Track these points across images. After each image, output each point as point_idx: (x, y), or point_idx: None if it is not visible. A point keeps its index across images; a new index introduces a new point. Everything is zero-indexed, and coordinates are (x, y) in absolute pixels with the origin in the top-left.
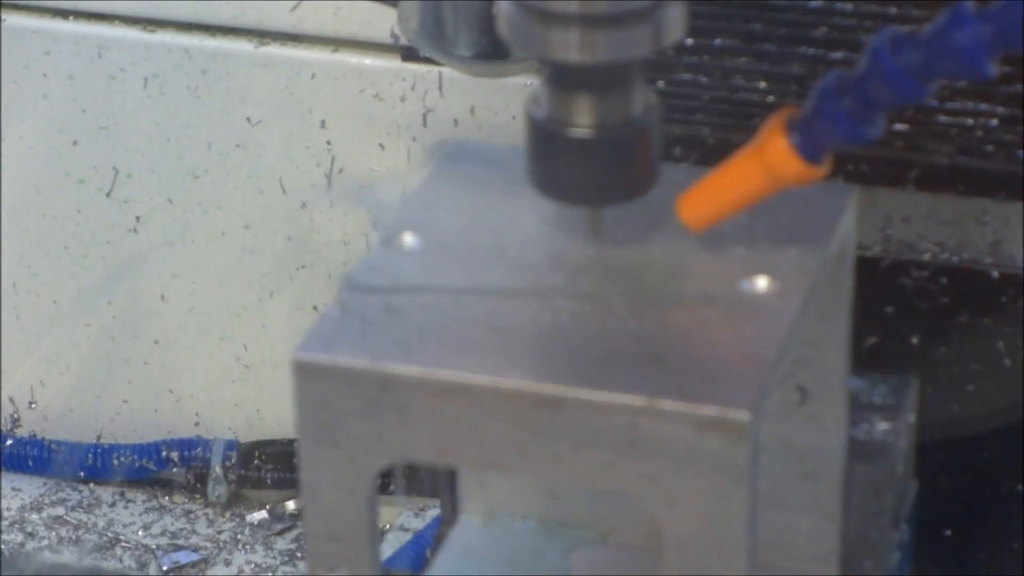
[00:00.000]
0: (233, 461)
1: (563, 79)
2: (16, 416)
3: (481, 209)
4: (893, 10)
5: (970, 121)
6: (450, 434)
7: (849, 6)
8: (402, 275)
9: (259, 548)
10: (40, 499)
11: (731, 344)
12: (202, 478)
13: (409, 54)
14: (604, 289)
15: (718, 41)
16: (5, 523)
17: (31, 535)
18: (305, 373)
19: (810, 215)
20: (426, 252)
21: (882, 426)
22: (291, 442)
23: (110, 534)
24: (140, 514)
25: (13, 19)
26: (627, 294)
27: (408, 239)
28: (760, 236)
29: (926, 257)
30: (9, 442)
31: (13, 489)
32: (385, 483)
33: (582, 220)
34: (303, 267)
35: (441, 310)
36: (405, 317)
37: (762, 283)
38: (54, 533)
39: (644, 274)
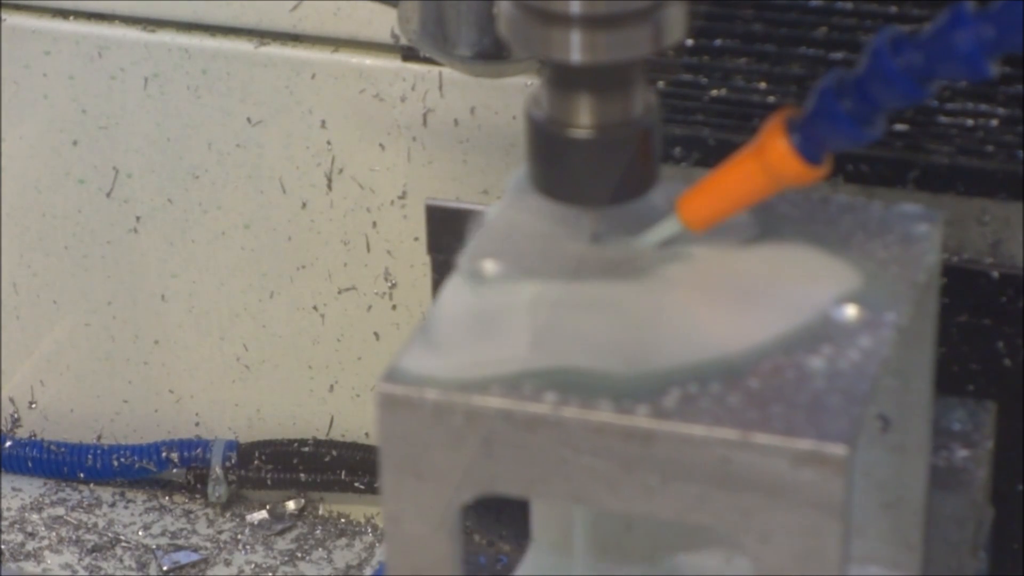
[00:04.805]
0: (233, 461)
1: (564, 80)
2: (16, 416)
3: (561, 234)
4: (893, 10)
5: (970, 121)
6: (537, 467)
7: (849, 6)
8: (484, 303)
9: (259, 548)
10: (40, 499)
11: (824, 376)
12: (202, 478)
13: (409, 54)
14: (690, 315)
15: (718, 41)
16: (5, 523)
17: (31, 535)
18: (389, 405)
19: (899, 242)
20: (507, 278)
21: (962, 453)
22: (291, 442)
23: (110, 534)
24: (140, 514)
25: (13, 19)
26: (715, 320)
27: (489, 266)
28: (848, 263)
29: None
30: (8, 443)
31: (13, 489)
32: None
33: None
34: (303, 267)
35: (525, 338)
36: (489, 347)
37: (852, 312)
38: (54, 533)
39: (729, 300)
